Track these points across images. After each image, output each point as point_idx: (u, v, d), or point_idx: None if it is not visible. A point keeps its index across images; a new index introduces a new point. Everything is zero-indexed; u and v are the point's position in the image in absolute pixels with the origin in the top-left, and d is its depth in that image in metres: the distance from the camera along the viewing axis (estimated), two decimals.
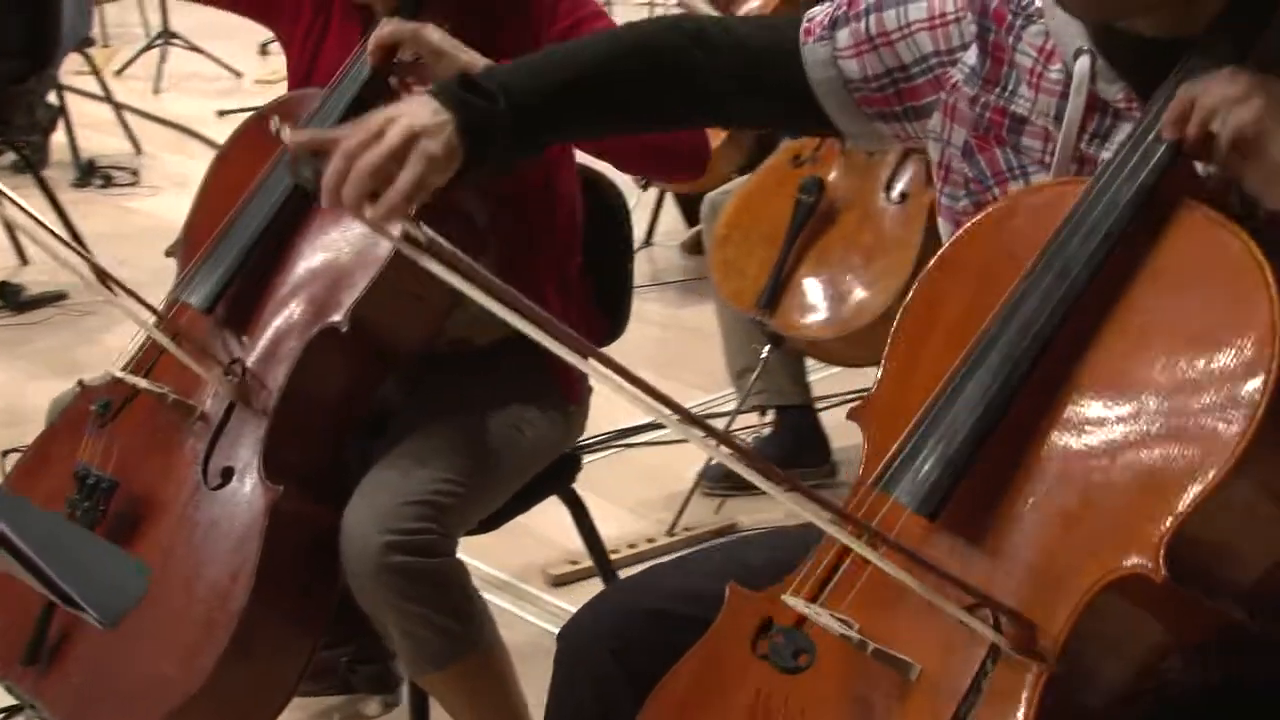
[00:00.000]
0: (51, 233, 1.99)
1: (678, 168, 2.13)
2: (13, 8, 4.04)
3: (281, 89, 6.88)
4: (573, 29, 2.04)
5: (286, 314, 1.94)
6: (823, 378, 3.48)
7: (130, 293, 1.94)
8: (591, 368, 1.26)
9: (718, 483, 3.17)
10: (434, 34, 1.94)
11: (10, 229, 3.91)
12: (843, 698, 1.27)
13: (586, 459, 2.37)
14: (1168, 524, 1.14)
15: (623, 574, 2.42)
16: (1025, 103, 1.42)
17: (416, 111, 1.40)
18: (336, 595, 1.94)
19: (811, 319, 2.81)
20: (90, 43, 5.59)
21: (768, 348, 2.94)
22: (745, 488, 3.14)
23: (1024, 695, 1.17)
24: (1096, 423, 1.22)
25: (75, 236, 4.21)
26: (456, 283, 1.29)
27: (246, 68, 7.11)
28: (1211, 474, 1.14)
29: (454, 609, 1.91)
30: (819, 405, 3.36)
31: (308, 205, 1.95)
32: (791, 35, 1.53)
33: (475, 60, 1.95)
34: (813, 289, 2.81)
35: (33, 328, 4.22)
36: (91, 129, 5.77)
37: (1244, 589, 1.22)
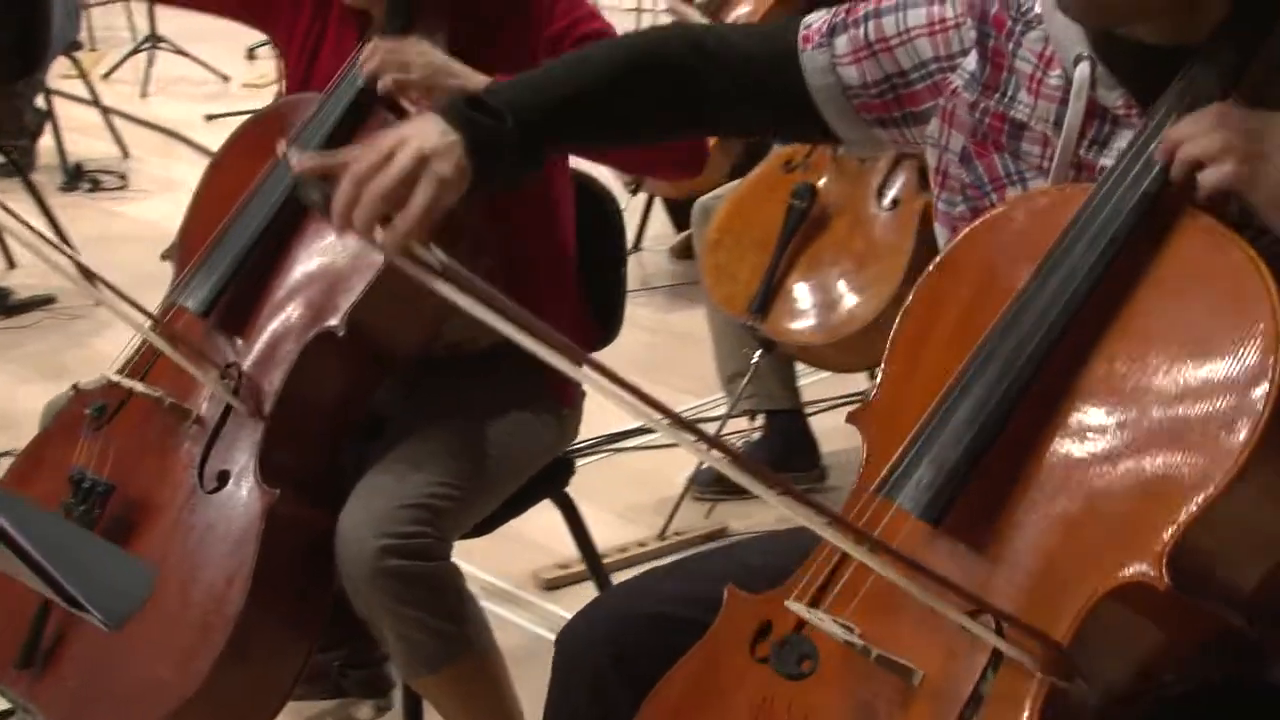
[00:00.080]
0: (47, 240, 1.99)
1: (676, 167, 2.14)
2: (3, 11, 4.03)
3: (269, 93, 6.89)
4: (568, 30, 2.04)
5: (283, 318, 1.94)
6: (812, 382, 3.49)
7: (125, 297, 1.94)
8: (596, 381, 1.26)
9: (708, 487, 3.18)
10: (417, 61, 1.94)
11: None
12: (846, 703, 1.28)
13: (577, 463, 2.38)
14: (1171, 532, 1.15)
15: (614, 578, 2.44)
16: (1025, 108, 1.43)
17: (425, 133, 1.39)
18: (332, 599, 1.95)
19: (803, 324, 2.82)
20: (78, 46, 5.58)
21: (758, 353, 2.95)
22: (736, 492, 3.15)
23: (1026, 701, 1.18)
24: (1099, 430, 1.22)
25: (64, 240, 4.20)
26: (464, 303, 1.28)
27: (234, 71, 7.11)
28: (1215, 483, 1.14)
29: (449, 612, 1.92)
30: (808, 410, 3.37)
31: (305, 210, 1.95)
32: (790, 43, 1.54)
33: (463, 77, 1.95)
34: (804, 295, 2.82)
35: (21, 331, 4.21)
36: (78, 133, 5.76)
37: (1242, 596, 1.23)
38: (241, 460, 1.89)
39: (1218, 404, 1.16)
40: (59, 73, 5.17)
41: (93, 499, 1.90)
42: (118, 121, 5.89)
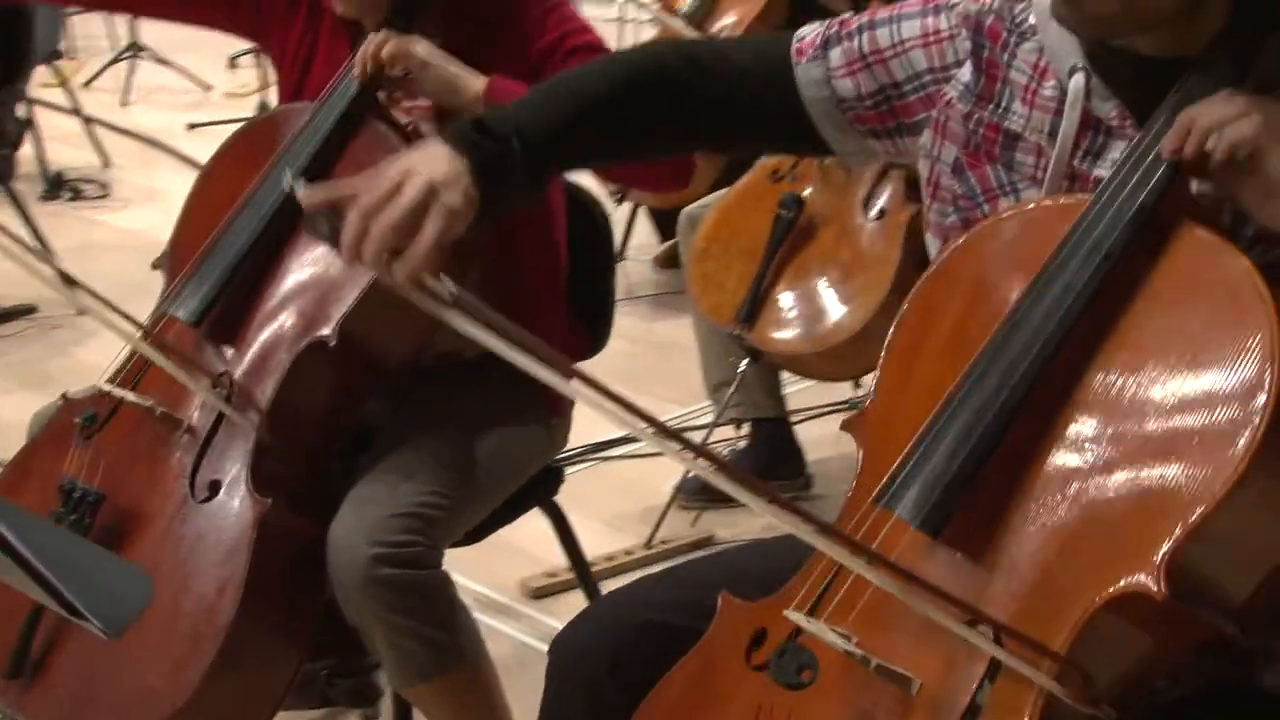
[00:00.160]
0: (38, 252, 1.98)
1: (663, 180, 2.15)
2: None
3: (251, 102, 6.86)
4: (560, 42, 2.05)
5: (275, 328, 1.94)
6: (797, 390, 3.50)
7: (115, 308, 1.93)
8: (590, 398, 1.26)
9: (694, 496, 3.19)
10: (419, 47, 1.96)
11: None
12: (845, 713, 1.28)
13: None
14: (1169, 542, 1.16)
15: (602, 587, 2.44)
16: (1019, 119, 1.44)
17: (432, 162, 1.37)
18: (323, 608, 1.95)
19: (790, 334, 2.83)
20: (58, 55, 5.57)
21: (745, 361, 2.96)
22: (722, 501, 3.16)
23: (1025, 711, 1.19)
24: (1097, 441, 1.23)
25: (45, 249, 4.19)
26: (472, 330, 1.28)
27: (215, 80, 7.10)
28: (1214, 493, 1.15)
29: (441, 621, 1.92)
30: (793, 418, 3.38)
31: (297, 219, 1.96)
32: (783, 56, 1.54)
33: (462, 72, 1.97)
34: (791, 304, 2.83)
35: (3, 341, 4.20)
36: (59, 141, 5.74)
37: (1236, 604, 1.24)
38: (233, 470, 1.89)
39: (1216, 415, 1.17)
40: (39, 81, 5.15)
41: (83, 508, 1.90)
42: (98, 130, 5.87)
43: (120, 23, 7.12)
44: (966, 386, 1.29)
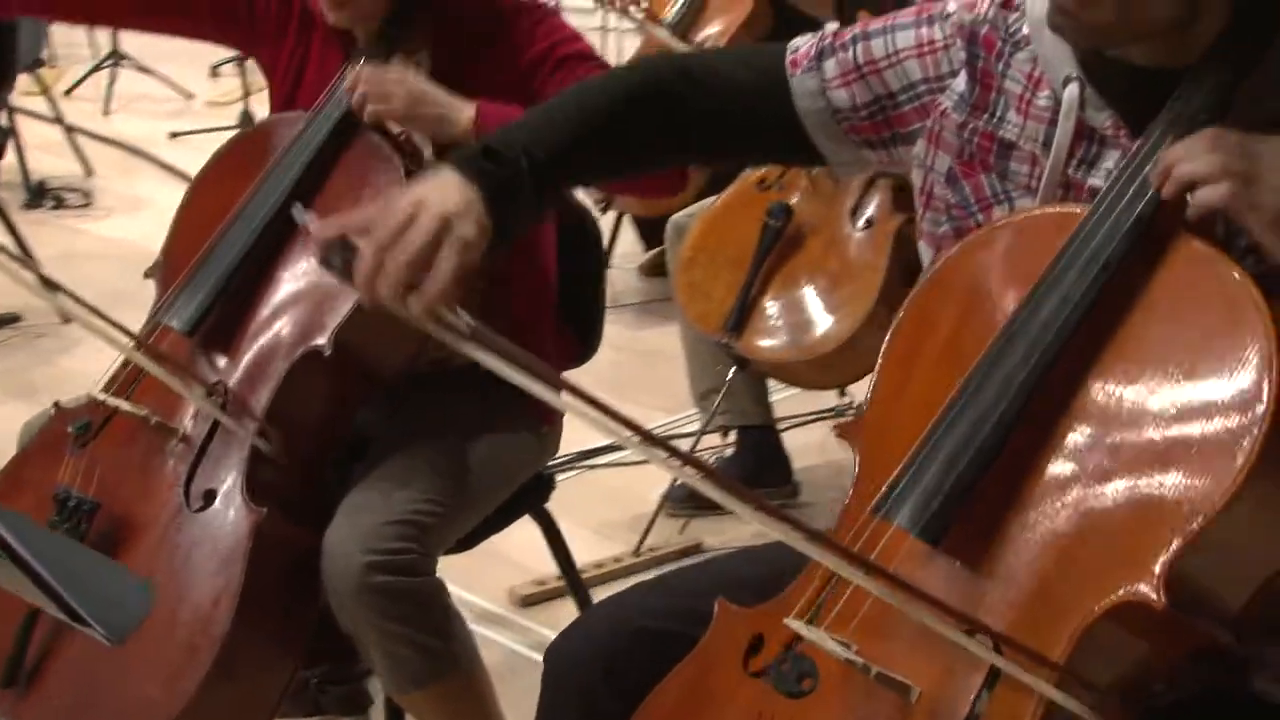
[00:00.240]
0: (29, 267, 1.98)
1: (661, 188, 2.17)
2: None
3: (233, 110, 6.83)
4: (549, 52, 2.07)
5: (270, 337, 1.95)
6: (784, 398, 3.52)
7: (108, 319, 1.92)
8: (587, 412, 1.27)
9: (681, 503, 3.20)
10: (398, 97, 1.95)
11: None
12: None
13: None
14: (1169, 552, 1.17)
15: (590, 594, 2.45)
16: (1014, 128, 1.45)
17: (443, 192, 1.37)
18: (317, 616, 1.95)
19: (778, 343, 2.84)
20: (40, 63, 5.55)
21: (733, 369, 2.97)
22: (709, 508, 3.17)
23: (1026, 719, 1.20)
24: (1096, 451, 1.24)
25: (30, 258, 4.18)
26: (488, 360, 1.29)
27: (197, 89, 7.09)
28: (1213, 503, 1.16)
29: (435, 628, 1.93)
30: (780, 426, 3.40)
31: (291, 228, 1.97)
32: (777, 67, 1.56)
33: (448, 106, 1.97)
34: (779, 313, 2.84)
35: None
36: (40, 150, 5.73)
37: (1233, 612, 1.25)
38: (228, 479, 1.89)
39: (1214, 425, 1.18)
40: (20, 89, 5.14)
41: (78, 517, 1.90)
42: (80, 139, 5.86)
43: (101, 31, 7.10)
44: (965, 396, 1.29)
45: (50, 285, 1.95)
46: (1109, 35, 1.34)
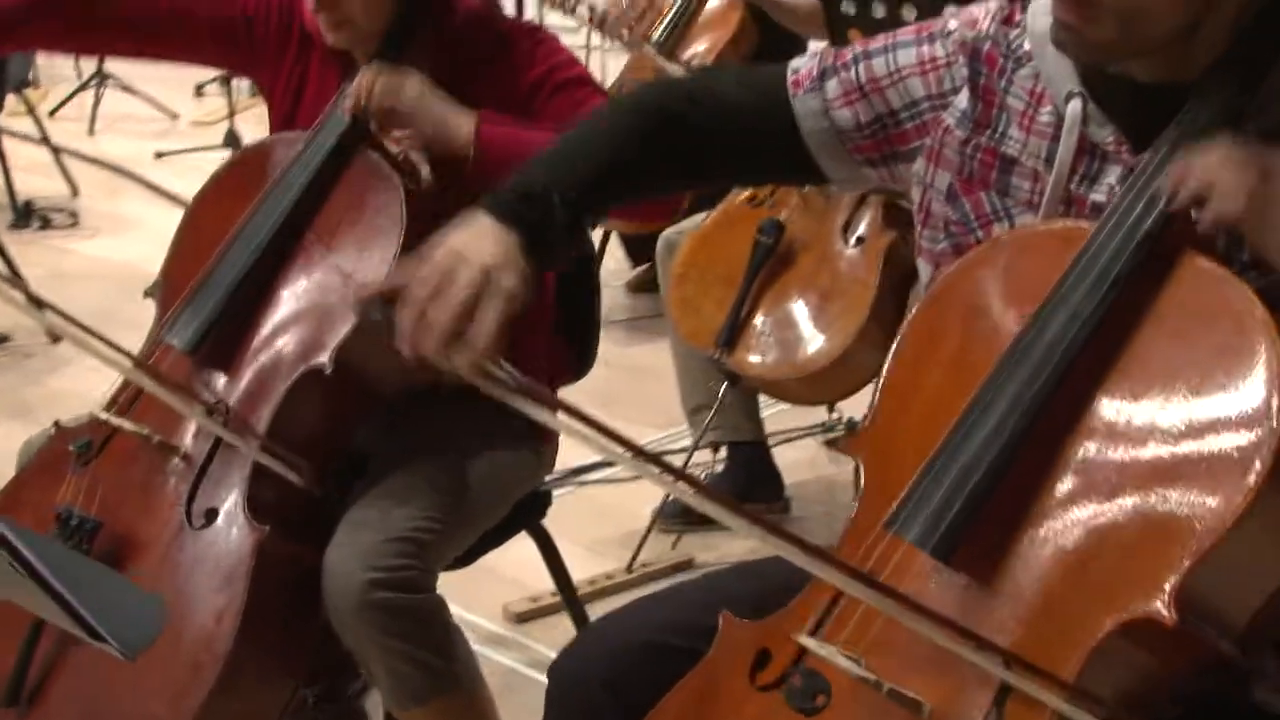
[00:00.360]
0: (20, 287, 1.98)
1: (661, 213, 2.19)
2: None
3: (219, 130, 6.80)
4: (548, 75, 2.09)
5: (271, 356, 1.96)
6: (775, 413, 3.53)
7: (105, 340, 1.91)
8: (610, 448, 1.29)
9: (673, 519, 3.21)
10: (409, 88, 1.97)
11: None
12: None
13: None
14: (1179, 570, 1.18)
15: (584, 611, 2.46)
16: (1016, 144, 1.47)
17: (481, 242, 1.37)
18: (318, 633, 1.96)
19: (770, 359, 2.85)
20: (26, 84, 5.55)
21: (724, 385, 2.99)
22: (700, 523, 3.20)
23: None
24: (1106, 467, 1.25)
25: (17, 276, 4.18)
26: (530, 409, 1.30)
27: (182, 109, 7.09)
28: (1223, 520, 1.17)
29: (436, 645, 1.94)
30: (771, 441, 3.41)
31: (291, 247, 1.98)
32: (779, 89, 1.57)
33: (451, 112, 1.99)
34: (771, 330, 2.86)
35: None
36: (26, 171, 5.72)
37: (1239, 627, 1.26)
38: (230, 497, 1.90)
39: (1224, 442, 1.20)
40: (6, 110, 5.14)
41: (80, 536, 1.90)
42: (66, 159, 5.86)
43: None
44: (974, 414, 1.30)
45: (41, 305, 1.95)
46: (1111, 51, 1.36)
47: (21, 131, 5.67)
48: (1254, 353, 1.21)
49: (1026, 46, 1.47)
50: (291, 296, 1.98)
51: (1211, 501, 1.18)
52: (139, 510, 1.93)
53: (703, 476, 3.37)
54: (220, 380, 1.98)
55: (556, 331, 2.31)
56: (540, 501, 2.33)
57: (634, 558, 3.12)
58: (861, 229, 2.82)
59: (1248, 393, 1.20)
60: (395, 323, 1.34)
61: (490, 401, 2.17)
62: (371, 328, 1.36)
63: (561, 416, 1.32)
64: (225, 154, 5.89)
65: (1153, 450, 1.23)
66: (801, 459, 3.56)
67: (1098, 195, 1.41)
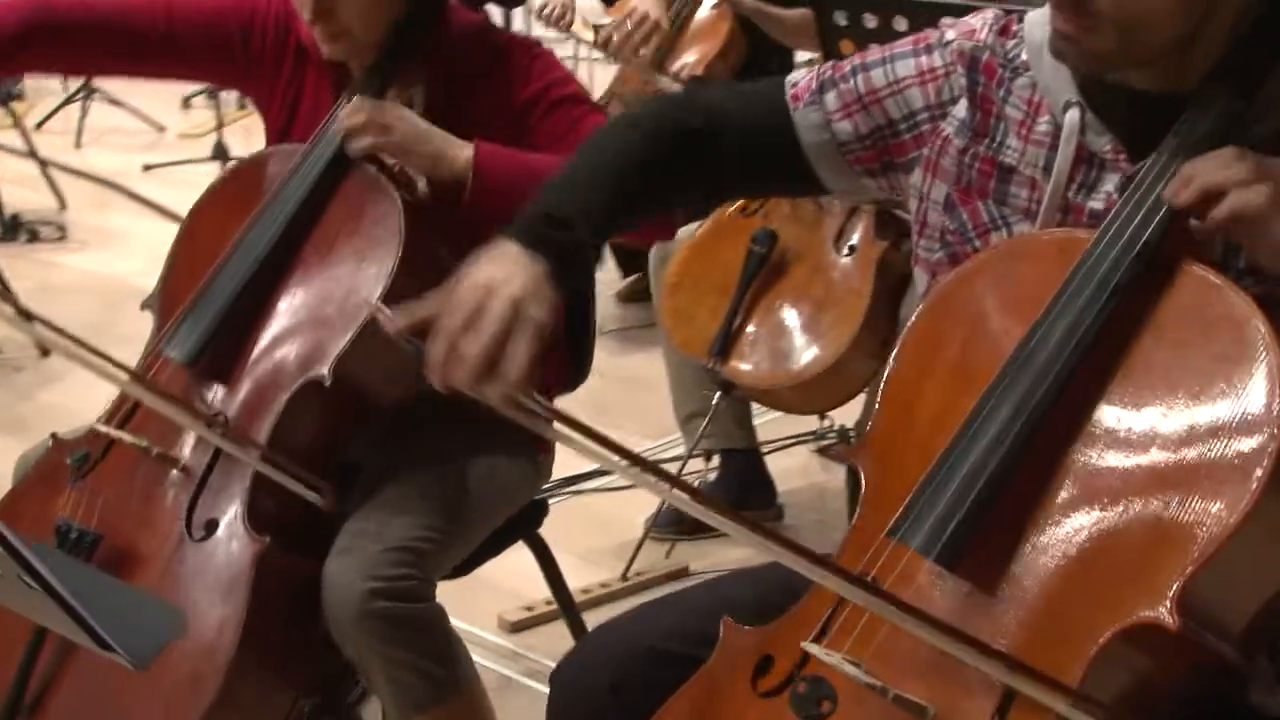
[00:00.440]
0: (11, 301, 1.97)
1: (661, 232, 2.21)
2: None
3: (207, 142, 6.78)
4: (544, 93, 2.09)
5: (270, 368, 1.96)
6: (767, 421, 3.55)
7: (99, 353, 1.91)
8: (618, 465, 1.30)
9: (666, 528, 3.23)
10: (396, 131, 1.98)
11: None
12: None
13: None
14: (1182, 575, 1.19)
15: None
16: (1014, 153, 1.48)
17: (508, 272, 1.37)
18: (318, 643, 1.96)
19: (764, 368, 2.86)
20: (11, 96, 5.54)
21: (718, 394, 3.00)
22: (694, 532, 3.21)
23: None
24: (1108, 474, 1.26)
25: (6, 289, 4.17)
26: (551, 433, 1.31)
27: (169, 122, 7.09)
28: (1225, 526, 1.19)
29: (437, 653, 1.94)
30: (763, 449, 3.42)
31: (290, 259, 1.99)
32: (778, 103, 1.58)
33: (444, 145, 1.99)
34: (765, 339, 2.87)
35: None
36: (13, 184, 5.72)
37: (1239, 630, 1.28)
38: (230, 508, 1.90)
39: (1226, 449, 1.21)
40: None
41: (80, 549, 1.90)
42: (53, 172, 5.86)
43: None
44: (977, 422, 1.31)
45: (30, 318, 1.94)
46: (1110, 61, 1.37)
47: (8, 144, 5.67)
48: (1254, 360, 1.22)
49: (1024, 56, 1.48)
50: (290, 308, 1.98)
51: (1214, 508, 1.19)
52: (139, 523, 1.93)
53: (695, 484, 3.38)
54: (219, 392, 1.98)
55: (552, 343, 2.31)
56: (537, 511, 2.34)
57: (628, 566, 3.13)
58: (854, 238, 2.83)
59: (1248, 399, 1.21)
60: (425, 354, 1.34)
61: (487, 412, 2.19)
62: (406, 357, 1.36)
63: (586, 440, 1.31)
64: (214, 166, 5.90)
65: (1154, 457, 1.25)
66: (794, 466, 3.58)
67: (1095, 203, 1.42)
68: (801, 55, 4.01)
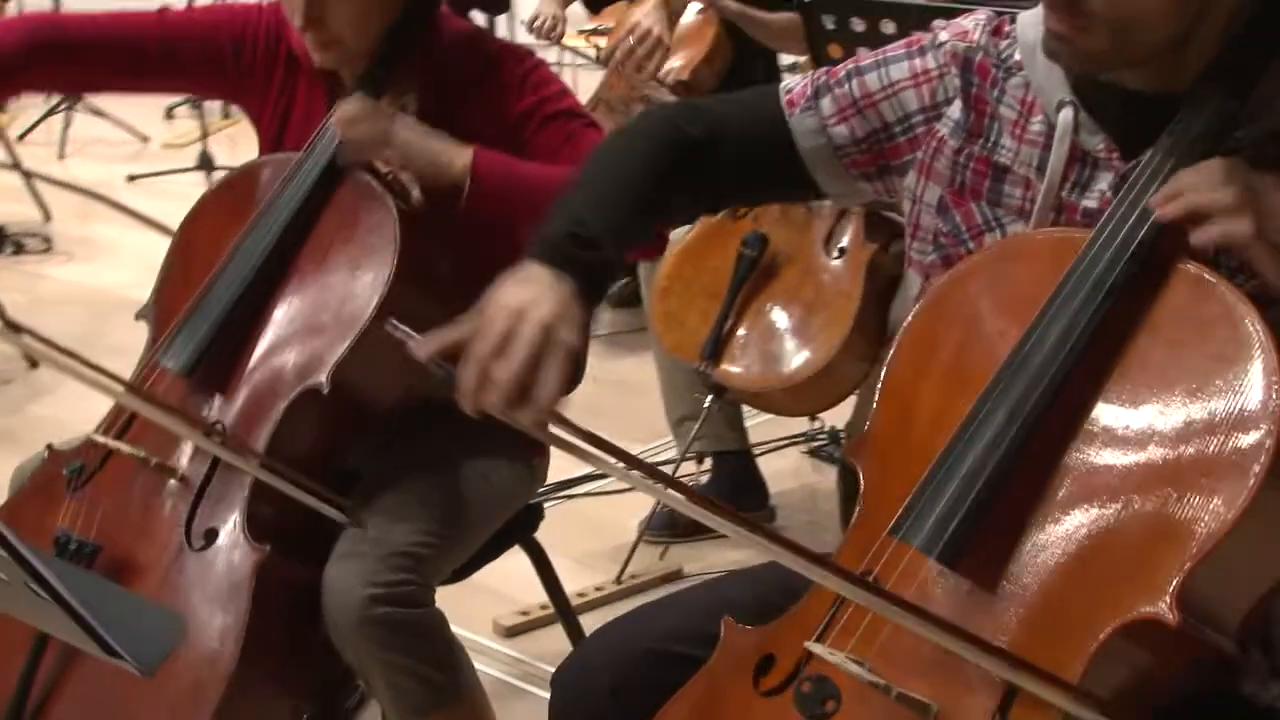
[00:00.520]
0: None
1: (657, 248, 2.22)
2: None
3: (191, 152, 6.74)
4: (538, 106, 2.10)
5: (268, 376, 1.97)
6: (758, 423, 3.56)
7: (95, 366, 1.90)
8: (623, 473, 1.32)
9: (659, 531, 3.24)
10: (397, 135, 1.99)
11: None
12: None
13: None
14: (1181, 570, 1.20)
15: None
16: (1008, 153, 1.49)
17: (537, 295, 1.37)
18: (318, 650, 1.97)
19: (755, 371, 2.87)
20: None
21: (709, 397, 3.01)
22: (686, 534, 3.23)
23: None
24: (1106, 473, 1.28)
25: None
26: (583, 456, 1.32)
27: (152, 132, 7.07)
28: (1224, 521, 1.20)
29: (437, 659, 1.95)
30: (754, 451, 3.44)
31: (285, 268, 1.99)
32: (774, 110, 1.60)
33: (442, 150, 2.00)
34: (756, 342, 2.88)
35: None
36: None
37: (1236, 623, 1.29)
38: (229, 517, 1.91)
39: (1223, 445, 1.22)
40: None
41: (79, 560, 1.90)
42: (37, 183, 5.84)
43: None
44: (975, 423, 1.33)
45: (19, 329, 1.94)
46: (1103, 61, 1.38)
47: None
48: (1249, 357, 1.23)
49: (1017, 57, 1.50)
50: (287, 317, 1.99)
51: (1212, 504, 1.21)
52: (138, 533, 1.93)
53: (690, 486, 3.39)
54: (217, 402, 1.98)
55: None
56: (534, 515, 2.35)
57: (623, 569, 3.14)
58: (844, 241, 2.85)
59: (1244, 395, 1.23)
60: (456, 379, 1.35)
61: (482, 416, 2.19)
62: (437, 381, 1.36)
63: (619, 463, 1.33)
64: (199, 176, 5.89)
65: (1153, 455, 1.26)
66: (785, 468, 3.59)
67: (1089, 202, 1.44)
68: (785, 59, 4.03)
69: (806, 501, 3.51)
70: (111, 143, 6.93)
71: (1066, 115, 1.44)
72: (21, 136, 6.89)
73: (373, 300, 1.93)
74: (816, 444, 3.76)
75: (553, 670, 1.62)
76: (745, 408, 3.34)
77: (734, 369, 2.89)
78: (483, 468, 2.14)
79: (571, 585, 3.03)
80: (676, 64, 3.93)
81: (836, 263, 2.84)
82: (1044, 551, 1.29)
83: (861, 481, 1.44)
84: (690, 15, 3.84)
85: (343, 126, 2.01)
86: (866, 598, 1.30)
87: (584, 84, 5.61)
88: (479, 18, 3.30)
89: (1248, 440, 1.21)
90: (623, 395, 3.98)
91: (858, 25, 2.42)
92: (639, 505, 3.26)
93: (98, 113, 6.86)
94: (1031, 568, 1.29)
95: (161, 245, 2.19)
